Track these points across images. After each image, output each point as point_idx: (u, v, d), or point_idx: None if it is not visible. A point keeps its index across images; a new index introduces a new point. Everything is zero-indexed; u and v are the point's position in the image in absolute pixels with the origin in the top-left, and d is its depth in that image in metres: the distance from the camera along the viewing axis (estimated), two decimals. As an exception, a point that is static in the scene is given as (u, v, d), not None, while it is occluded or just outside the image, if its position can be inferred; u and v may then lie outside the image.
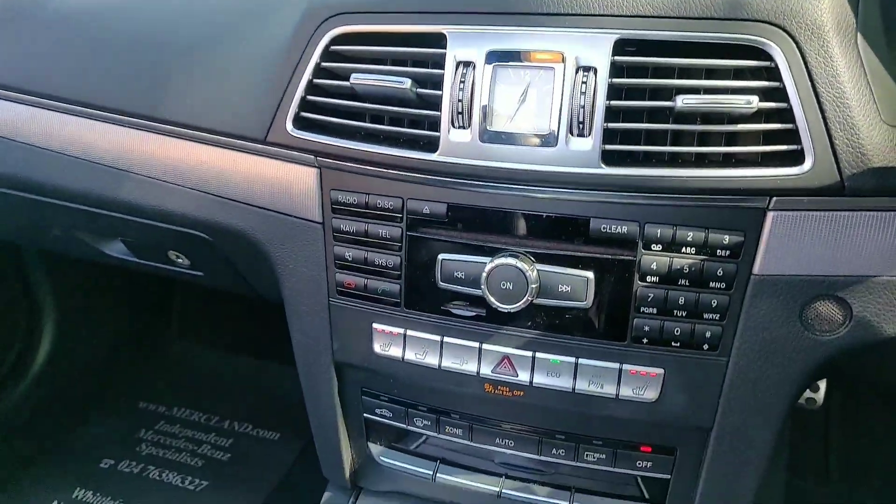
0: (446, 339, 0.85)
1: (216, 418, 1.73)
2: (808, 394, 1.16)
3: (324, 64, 0.83)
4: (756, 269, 0.73)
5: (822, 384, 1.16)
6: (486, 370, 0.85)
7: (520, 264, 0.77)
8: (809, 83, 0.67)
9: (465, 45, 0.76)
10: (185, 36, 0.94)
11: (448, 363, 0.86)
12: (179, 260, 1.14)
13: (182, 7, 0.96)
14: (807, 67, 0.67)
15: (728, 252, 0.73)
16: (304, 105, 0.85)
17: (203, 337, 1.97)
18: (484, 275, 0.78)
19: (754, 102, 0.68)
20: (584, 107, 0.71)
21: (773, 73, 0.69)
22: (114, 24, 0.99)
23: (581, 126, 0.72)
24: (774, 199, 0.71)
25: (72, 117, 0.99)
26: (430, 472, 0.99)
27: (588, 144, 0.73)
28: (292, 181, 0.88)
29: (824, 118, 0.68)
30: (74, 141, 0.98)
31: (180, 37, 0.94)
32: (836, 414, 1.45)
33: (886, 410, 1.44)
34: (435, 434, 0.96)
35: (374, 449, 1.03)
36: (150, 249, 1.16)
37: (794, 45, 0.68)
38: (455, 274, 0.81)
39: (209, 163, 0.93)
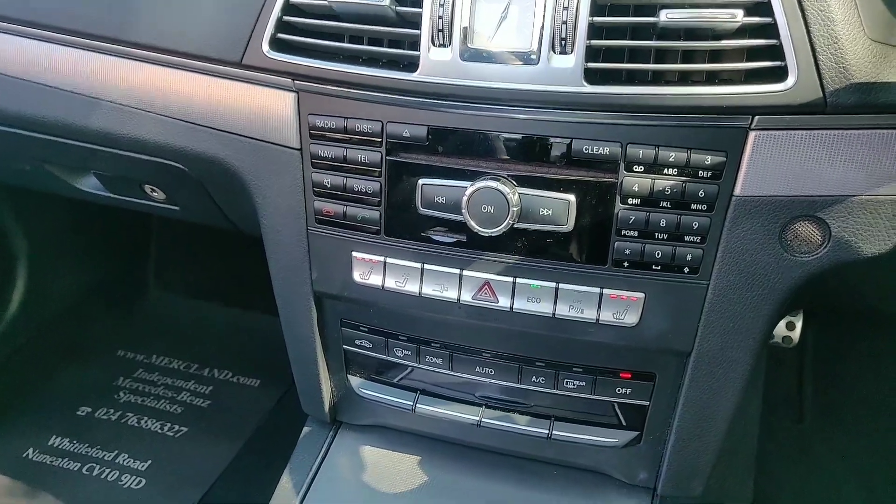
0: (426, 265, 0.85)
1: (195, 366, 1.73)
2: (784, 332, 1.18)
3: (301, -18, 0.80)
4: (737, 190, 0.73)
5: (798, 322, 1.18)
6: (466, 296, 0.84)
7: (501, 187, 0.76)
8: (795, -3, 0.67)
9: (447, -41, 0.73)
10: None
11: (428, 290, 0.86)
12: (155, 194, 1.11)
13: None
14: (792, -21, 0.66)
15: (710, 173, 0.73)
16: (281, 26, 0.82)
17: (182, 284, 1.95)
18: (465, 198, 0.77)
19: (739, 17, 0.67)
20: (566, 23, 0.70)
21: (759, -11, 0.67)
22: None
23: (563, 43, 0.71)
24: (757, 117, 0.71)
25: (39, 43, 0.95)
26: (411, 403, 0.99)
27: (570, 62, 0.71)
28: (269, 106, 0.86)
29: (808, 33, 0.67)
30: (42, 67, 0.95)
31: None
32: (810, 352, 1.48)
33: (861, 344, 1.47)
34: (415, 364, 0.96)
35: (354, 381, 1.03)
36: (124, 182, 1.13)
37: (780, -43, 0.66)
38: (436, 199, 0.80)
39: (184, 89, 0.90)
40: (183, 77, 0.90)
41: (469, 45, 0.74)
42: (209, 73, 0.88)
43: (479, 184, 0.76)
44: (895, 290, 0.91)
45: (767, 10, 0.67)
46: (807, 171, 0.71)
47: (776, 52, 0.68)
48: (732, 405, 0.87)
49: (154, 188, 1.10)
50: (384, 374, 1.01)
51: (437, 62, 0.75)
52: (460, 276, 0.84)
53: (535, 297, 0.82)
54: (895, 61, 0.68)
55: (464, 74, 0.75)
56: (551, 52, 0.72)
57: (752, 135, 0.71)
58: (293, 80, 0.83)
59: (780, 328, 1.17)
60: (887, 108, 0.68)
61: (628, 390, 0.90)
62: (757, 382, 1.30)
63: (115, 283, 1.88)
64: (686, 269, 0.77)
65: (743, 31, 0.69)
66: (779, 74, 0.69)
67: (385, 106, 0.80)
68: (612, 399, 0.91)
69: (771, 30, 0.68)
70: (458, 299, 0.85)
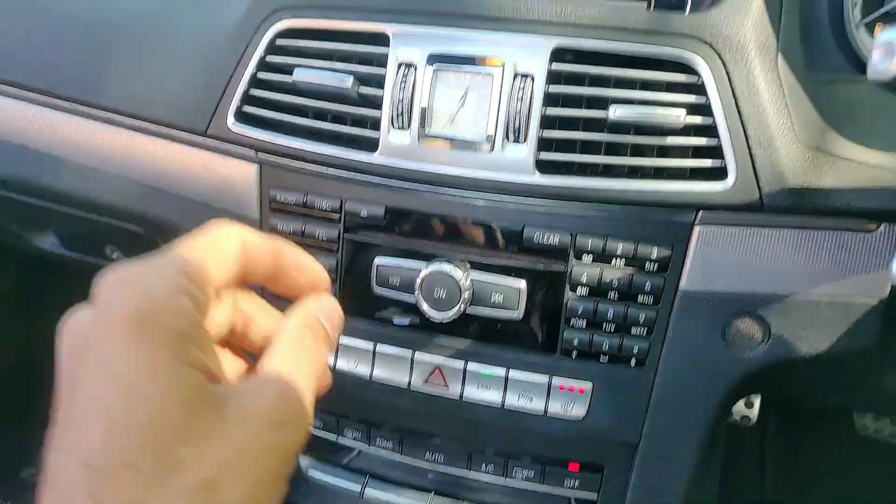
0: (379, 347, 0.84)
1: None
2: (743, 410, 1.18)
3: (268, 58, 0.83)
4: (682, 284, 0.74)
5: (756, 401, 1.18)
6: (417, 381, 0.83)
7: (454, 271, 0.76)
8: (733, 100, 0.70)
9: (408, 46, 0.76)
10: (126, 17, 0.93)
11: (379, 374, 0.84)
12: (115, 255, 1.10)
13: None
14: (730, 84, 0.70)
15: (656, 265, 0.74)
16: (247, 99, 0.84)
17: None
18: (418, 281, 0.77)
19: (682, 117, 0.70)
20: (520, 113, 0.73)
21: (700, 89, 0.71)
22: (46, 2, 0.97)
23: (517, 133, 0.73)
24: (700, 213, 0.73)
25: (1, 98, 0.96)
26: (359, 488, 0.96)
27: (523, 152, 0.74)
28: (231, 176, 0.87)
29: (746, 135, 0.70)
30: (2, 123, 0.95)
31: (120, 17, 0.93)
32: (770, 430, 1.47)
33: (816, 426, 1.47)
34: (365, 446, 0.94)
35: (304, 461, 1.00)
36: (84, 242, 1.12)
37: (720, 62, 0.70)
38: (390, 279, 0.80)
39: (146, 153, 0.91)
40: (146, 141, 0.91)
41: (427, 129, 0.76)
42: (173, 139, 0.89)
43: (433, 267, 0.77)
44: (844, 388, 0.91)
45: (708, 110, 0.71)
46: (747, 267, 0.73)
47: (717, 152, 0.71)
48: (682, 494, 0.86)
49: (115, 249, 1.09)
50: (333, 455, 0.98)
51: (395, 144, 0.77)
52: (412, 359, 0.83)
53: (484, 385, 0.81)
54: (826, 166, 0.71)
55: (421, 158, 0.77)
56: (505, 141, 0.74)
57: (696, 229, 0.73)
58: (256, 152, 0.85)
59: (739, 406, 1.17)
60: (820, 211, 0.70)
61: (577, 482, 0.88)
62: (712, 465, 1.29)
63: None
64: (633, 361, 0.78)
65: (689, 130, 0.72)
66: (720, 173, 0.71)
67: (344, 184, 0.81)
68: (561, 491, 0.89)
69: (712, 130, 0.71)
70: (409, 384, 0.83)
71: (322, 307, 0.47)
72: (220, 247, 0.43)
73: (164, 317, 0.36)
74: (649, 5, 0.80)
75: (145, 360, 0.35)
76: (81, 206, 0.97)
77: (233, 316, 0.46)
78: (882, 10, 0.80)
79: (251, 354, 0.48)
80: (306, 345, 0.44)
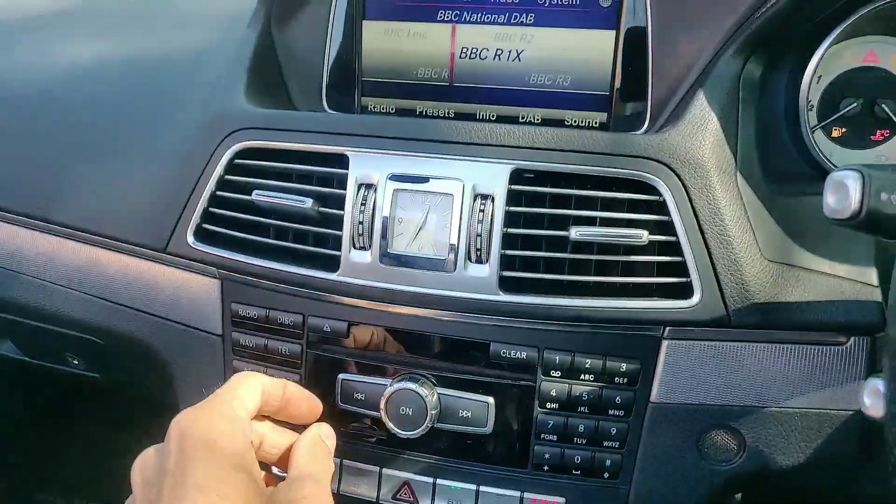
0: (345, 462, 0.82)
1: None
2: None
3: (227, 176, 0.82)
4: (653, 397, 0.73)
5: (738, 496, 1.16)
6: (386, 496, 0.81)
7: (419, 389, 0.75)
8: (694, 219, 0.70)
9: (367, 168, 0.76)
10: (83, 135, 0.92)
11: (347, 488, 0.82)
12: (75, 362, 1.07)
13: (81, 105, 0.95)
14: (691, 204, 0.70)
15: (626, 379, 0.73)
16: (206, 217, 0.83)
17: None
18: (383, 400, 0.75)
19: (644, 237, 0.70)
20: (480, 235, 0.72)
21: (662, 207, 0.71)
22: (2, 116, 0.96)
23: (479, 253, 0.73)
24: (668, 328, 0.72)
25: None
26: None
27: (485, 271, 0.73)
28: (193, 291, 0.85)
29: (709, 253, 0.70)
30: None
31: (77, 135, 0.92)
32: None
33: None
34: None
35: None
36: (43, 350, 1.09)
37: (679, 182, 0.70)
38: (355, 395, 0.79)
39: (105, 267, 0.89)
40: (105, 255, 0.89)
41: (388, 249, 0.75)
42: (133, 254, 0.88)
43: (398, 385, 0.75)
44: (824, 493, 0.90)
45: (671, 229, 0.71)
46: (718, 381, 0.72)
47: (682, 268, 0.71)
48: None
49: (75, 356, 1.06)
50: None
51: (356, 263, 0.76)
52: (380, 474, 0.81)
53: (455, 499, 0.79)
54: (792, 280, 0.71)
55: (382, 278, 0.75)
56: (467, 261, 0.73)
57: (664, 343, 0.73)
58: (217, 268, 0.83)
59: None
60: (789, 326, 0.70)
61: None
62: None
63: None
64: (606, 474, 0.76)
65: (653, 246, 0.72)
66: (686, 289, 0.71)
67: (307, 300, 0.80)
68: None
69: (676, 248, 0.71)
70: (378, 499, 0.81)
71: (323, 431, 0.70)
72: (248, 390, 0.65)
73: (227, 441, 0.57)
74: (607, 125, 0.81)
75: (217, 471, 0.54)
76: (40, 319, 0.94)
77: (252, 436, 0.63)
78: (838, 115, 0.81)
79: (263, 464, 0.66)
80: (318, 456, 0.66)
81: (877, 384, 0.55)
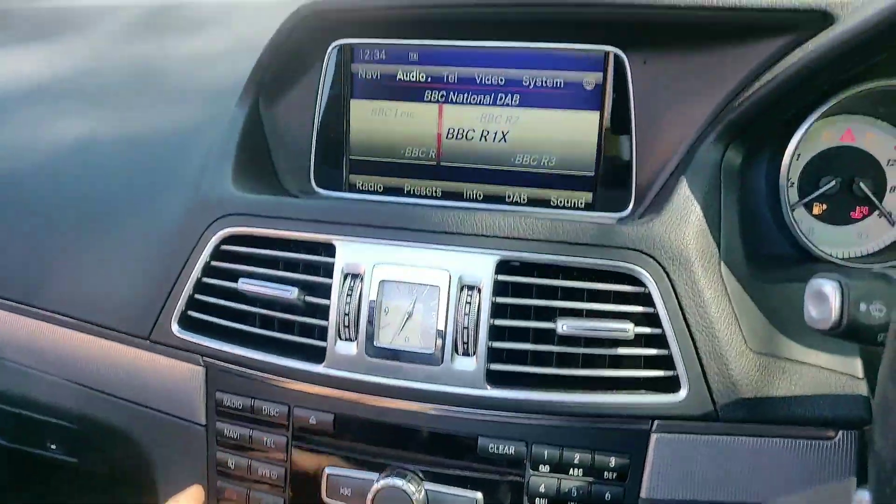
0: (330, 557, 0.80)
1: None
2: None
3: (213, 262, 0.81)
4: (643, 492, 0.72)
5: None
6: None
7: (406, 486, 0.73)
8: (679, 311, 0.70)
9: (354, 257, 0.76)
10: (67, 217, 0.91)
11: (333, 584, 0.80)
12: (52, 446, 1.05)
13: (65, 186, 0.94)
14: (676, 295, 0.70)
15: (615, 474, 0.72)
16: (191, 304, 0.82)
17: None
18: (370, 497, 0.74)
19: (630, 330, 0.69)
20: (467, 328, 0.71)
21: (648, 299, 0.71)
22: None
23: (465, 346, 0.72)
24: (656, 422, 0.71)
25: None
26: None
27: (472, 364, 0.72)
28: (176, 379, 0.84)
29: (695, 346, 0.69)
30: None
31: (60, 218, 0.91)
32: None
33: None
34: None
35: None
36: (21, 435, 1.06)
37: (664, 274, 0.70)
38: (341, 490, 0.77)
39: (86, 353, 0.88)
40: (85, 340, 0.88)
41: (374, 342, 0.74)
42: (115, 340, 0.86)
43: (384, 481, 0.74)
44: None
45: (657, 321, 0.70)
46: (708, 475, 0.71)
47: (669, 361, 0.70)
48: None
49: (53, 441, 1.04)
50: None
51: (342, 355, 0.75)
52: (367, 571, 0.79)
53: None
54: (778, 372, 0.70)
55: (368, 370, 0.75)
56: (454, 353, 0.73)
57: (653, 437, 0.72)
58: (201, 356, 0.82)
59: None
60: (776, 420, 0.69)
61: None
62: None
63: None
64: (598, 572, 0.74)
65: (640, 339, 0.71)
66: (673, 383, 0.70)
67: (292, 390, 0.79)
68: None
69: (662, 340, 0.70)
70: None
71: None
72: None
73: None
74: (592, 205, 0.81)
75: None
76: (17, 405, 0.92)
77: None
78: (818, 192, 0.82)
79: None
80: None
81: (863, 498, 0.54)
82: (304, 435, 0.79)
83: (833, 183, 0.81)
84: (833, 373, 0.70)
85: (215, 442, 0.82)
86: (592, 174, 0.85)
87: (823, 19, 0.70)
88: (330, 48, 0.90)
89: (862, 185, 0.81)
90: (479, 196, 0.89)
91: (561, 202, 0.87)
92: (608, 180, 0.84)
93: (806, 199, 0.82)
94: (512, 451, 0.73)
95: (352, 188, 0.93)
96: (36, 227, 0.92)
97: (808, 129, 0.76)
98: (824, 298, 0.53)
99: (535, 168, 0.87)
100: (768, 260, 0.78)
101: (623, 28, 0.79)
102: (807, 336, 0.72)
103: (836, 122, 0.82)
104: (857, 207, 0.83)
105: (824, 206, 0.83)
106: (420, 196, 0.90)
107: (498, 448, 0.73)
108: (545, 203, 0.87)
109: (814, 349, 0.71)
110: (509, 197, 0.88)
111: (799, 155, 0.82)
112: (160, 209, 0.87)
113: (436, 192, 0.90)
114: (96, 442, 0.94)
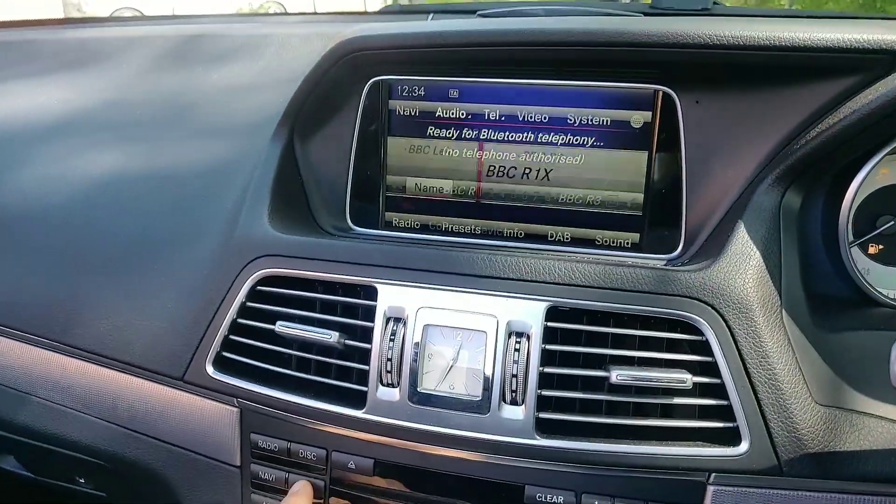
0: None
1: None
2: None
3: (248, 303, 0.79)
4: (700, 547, 0.69)
5: None
6: None
7: (450, 536, 0.70)
8: (740, 362, 0.67)
9: (396, 300, 0.74)
10: (102, 255, 0.89)
11: None
12: (81, 480, 1.03)
13: (96, 224, 0.92)
14: (736, 346, 0.67)
15: (670, 528, 0.69)
16: (226, 345, 0.80)
17: None
18: (411, 549, 0.71)
19: (689, 381, 0.67)
20: (516, 376, 0.69)
21: (705, 347, 0.68)
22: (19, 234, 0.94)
23: (514, 394, 0.69)
24: (714, 474, 0.68)
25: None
26: None
27: (520, 413, 0.69)
28: (210, 420, 0.82)
29: (757, 398, 0.66)
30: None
31: (90, 255, 0.90)
32: None
33: None
34: None
35: None
36: (50, 470, 1.04)
37: (724, 323, 0.67)
38: (381, 539, 0.74)
39: (119, 391, 0.86)
40: (120, 379, 0.86)
41: (418, 387, 0.72)
42: (149, 379, 0.84)
43: (427, 533, 0.71)
44: None
45: (715, 370, 0.67)
46: (769, 532, 0.68)
47: (727, 412, 0.67)
48: None
49: (82, 475, 1.02)
50: None
51: (384, 401, 0.73)
52: None
53: None
54: (846, 426, 0.67)
55: (411, 417, 0.72)
56: (502, 402, 0.70)
57: (710, 489, 0.68)
58: (236, 398, 0.80)
59: None
60: (844, 476, 0.66)
61: None
62: None
63: None
64: None
65: (695, 388, 0.69)
66: (732, 434, 0.67)
67: (330, 434, 0.76)
68: None
69: (720, 390, 0.67)
70: None
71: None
72: None
73: None
74: (640, 246, 0.78)
75: None
76: (49, 442, 0.90)
77: None
78: (874, 233, 0.79)
79: None
80: None
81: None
82: (342, 479, 0.76)
83: (892, 223, 0.79)
84: (903, 426, 0.67)
85: (250, 484, 0.80)
86: (640, 214, 0.82)
87: (894, 60, 0.68)
88: (367, 85, 0.89)
89: (920, 225, 0.78)
90: (521, 234, 0.87)
91: (606, 242, 0.84)
92: (657, 221, 0.81)
93: (862, 239, 0.79)
94: (561, 500, 0.70)
95: (388, 226, 0.91)
96: (67, 264, 0.90)
97: (871, 171, 0.74)
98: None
99: (579, 207, 0.85)
100: (827, 303, 0.75)
101: (675, 66, 0.77)
102: (874, 387, 0.69)
103: (893, 160, 0.79)
104: (915, 248, 0.80)
105: (881, 247, 0.81)
106: (458, 234, 0.88)
107: (546, 497, 0.70)
108: (590, 243, 0.84)
109: (882, 401, 0.68)
110: (551, 236, 0.86)
111: (855, 194, 0.79)
112: (195, 247, 0.85)
113: (475, 230, 0.88)
114: (127, 478, 0.92)
